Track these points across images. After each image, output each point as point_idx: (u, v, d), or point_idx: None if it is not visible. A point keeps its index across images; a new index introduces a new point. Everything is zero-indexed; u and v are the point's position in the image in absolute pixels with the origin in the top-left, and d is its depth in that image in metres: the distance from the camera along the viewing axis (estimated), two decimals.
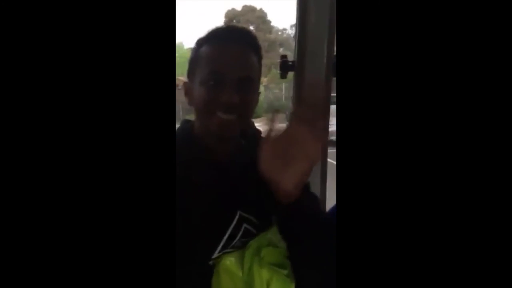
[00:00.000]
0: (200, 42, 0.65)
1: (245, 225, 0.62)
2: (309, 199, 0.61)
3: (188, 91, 0.66)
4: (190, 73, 0.65)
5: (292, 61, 0.96)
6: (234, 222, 0.61)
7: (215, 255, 0.59)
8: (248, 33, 0.67)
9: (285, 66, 0.96)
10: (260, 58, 0.66)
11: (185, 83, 0.67)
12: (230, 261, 0.58)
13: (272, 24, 21.98)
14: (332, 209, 0.75)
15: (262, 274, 0.55)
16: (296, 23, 0.93)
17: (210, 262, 0.59)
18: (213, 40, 0.64)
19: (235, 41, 0.63)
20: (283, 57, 0.98)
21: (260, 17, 21.74)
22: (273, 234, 0.59)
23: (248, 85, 0.62)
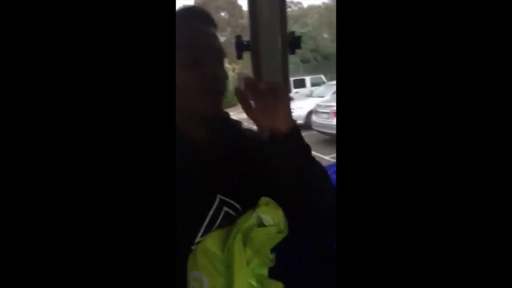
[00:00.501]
0: None
1: (225, 208, 0.61)
2: (301, 138, 0.65)
3: None
4: None
5: (248, 41, 0.93)
6: (214, 206, 0.60)
7: (197, 239, 0.58)
8: (206, 11, 0.67)
9: (240, 46, 0.93)
10: None
11: None
12: (208, 242, 0.56)
13: (243, 8, 21.62)
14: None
15: (243, 253, 0.54)
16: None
17: (192, 247, 0.58)
18: (178, 21, 0.63)
19: (199, 19, 0.63)
20: (238, 37, 0.95)
21: (230, 2, 21.37)
22: (261, 212, 0.58)
23: (223, 57, 0.65)
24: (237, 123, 0.74)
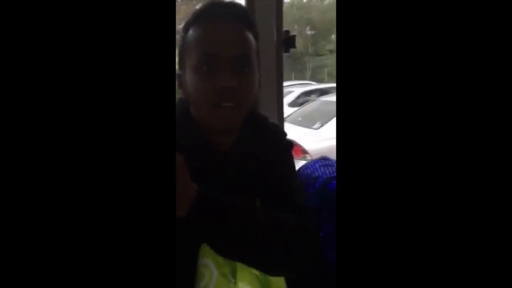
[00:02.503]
0: (187, 26, 0.59)
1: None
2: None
3: (181, 84, 0.60)
4: (180, 63, 0.60)
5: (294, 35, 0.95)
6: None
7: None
8: (237, 6, 0.59)
9: (289, 42, 0.95)
10: (256, 35, 0.59)
11: (177, 74, 0.61)
12: None
13: None
14: None
15: None
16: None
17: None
18: (199, 20, 0.57)
19: (224, 17, 0.56)
20: (287, 32, 0.95)
21: None
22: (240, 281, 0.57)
23: (246, 64, 0.56)
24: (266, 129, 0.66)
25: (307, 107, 4.23)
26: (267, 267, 0.55)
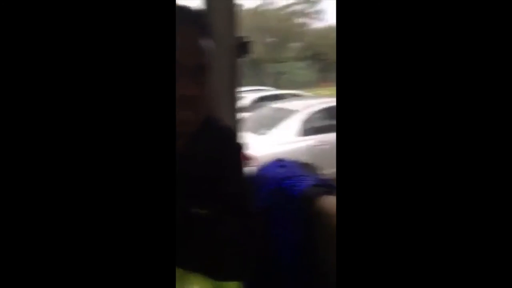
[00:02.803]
0: None
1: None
2: None
3: None
4: None
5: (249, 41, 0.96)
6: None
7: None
8: (195, 12, 0.59)
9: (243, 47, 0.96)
10: (212, 40, 0.59)
11: None
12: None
13: None
14: None
15: None
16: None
17: None
18: None
19: (183, 23, 0.54)
20: (240, 38, 0.96)
21: None
22: None
23: (204, 72, 0.56)
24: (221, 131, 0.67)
25: (256, 113, 4.25)
26: (215, 273, 0.56)
